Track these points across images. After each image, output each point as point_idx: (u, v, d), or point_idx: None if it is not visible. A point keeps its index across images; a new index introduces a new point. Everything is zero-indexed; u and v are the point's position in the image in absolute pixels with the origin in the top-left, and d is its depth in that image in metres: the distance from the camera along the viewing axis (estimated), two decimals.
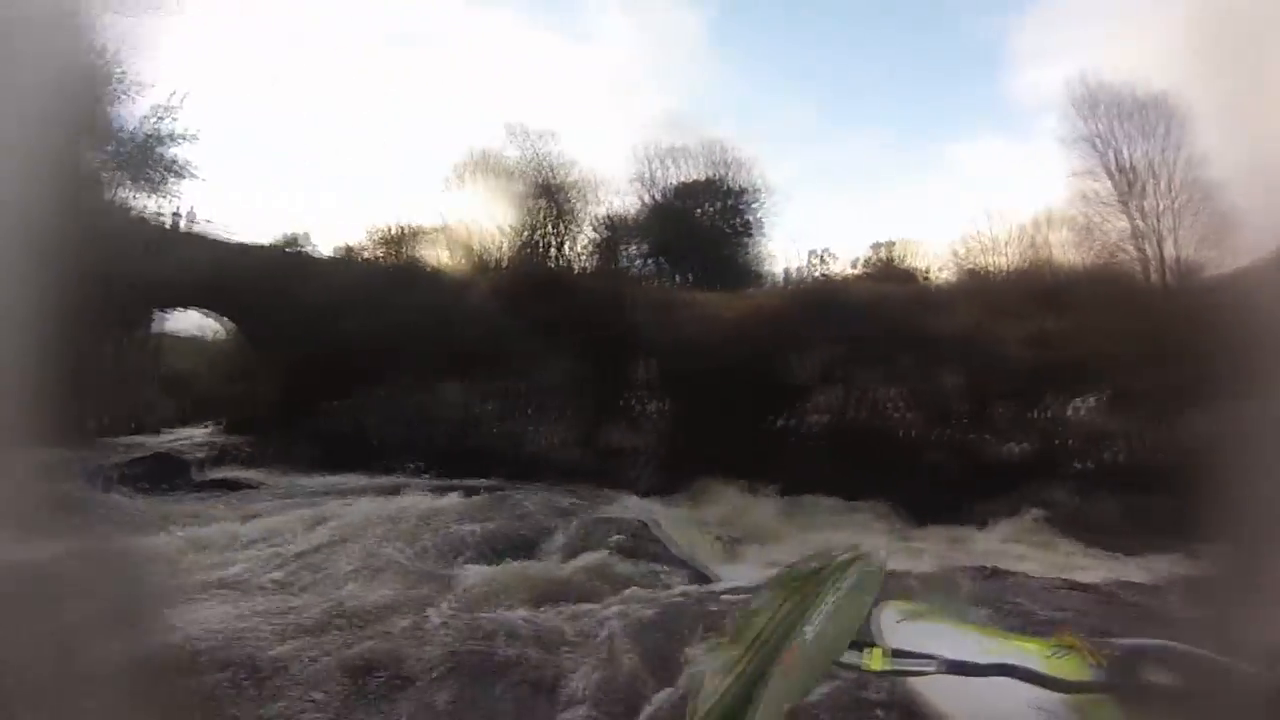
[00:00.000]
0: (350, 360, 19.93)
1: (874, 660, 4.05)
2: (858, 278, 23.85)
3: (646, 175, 27.90)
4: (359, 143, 53.57)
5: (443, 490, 14.40)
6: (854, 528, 14.70)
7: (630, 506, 14.22)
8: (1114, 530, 13.97)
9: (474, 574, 8.74)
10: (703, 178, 28.10)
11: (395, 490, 14.55)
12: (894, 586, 8.39)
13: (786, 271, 26.71)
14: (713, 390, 17.52)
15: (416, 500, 13.24)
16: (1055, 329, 18.48)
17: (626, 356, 18.45)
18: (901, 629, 4.83)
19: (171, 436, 24.32)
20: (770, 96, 54.97)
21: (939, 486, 15.72)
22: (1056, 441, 16.59)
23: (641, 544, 10.86)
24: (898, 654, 3.68)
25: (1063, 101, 25.06)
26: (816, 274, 25.11)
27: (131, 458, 17.27)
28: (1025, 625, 6.47)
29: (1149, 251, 23.24)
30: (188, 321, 31.18)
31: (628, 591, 8.12)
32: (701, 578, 10.01)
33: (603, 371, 18.33)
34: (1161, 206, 23.04)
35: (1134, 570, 11.26)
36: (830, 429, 17.74)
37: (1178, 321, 18.73)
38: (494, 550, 10.04)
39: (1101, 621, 6.70)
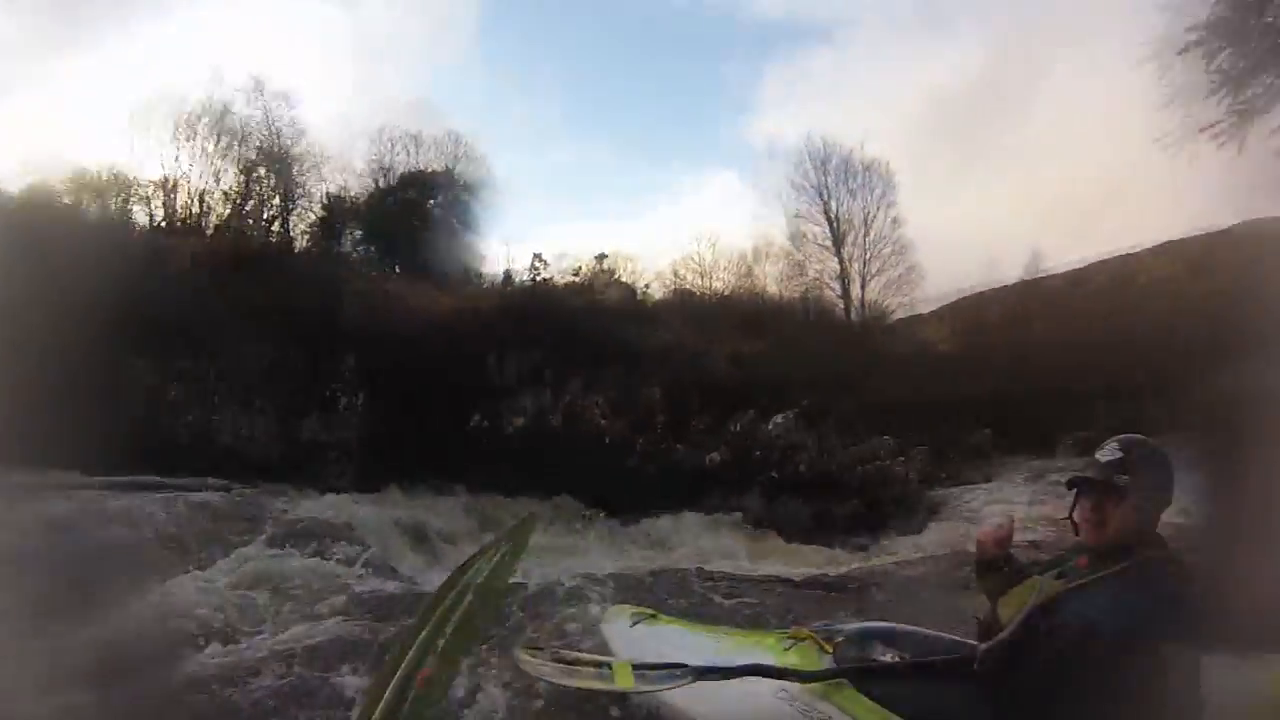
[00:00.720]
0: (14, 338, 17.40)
1: (621, 677, 3.88)
2: (574, 285, 24.14)
3: (384, 159, 27.12)
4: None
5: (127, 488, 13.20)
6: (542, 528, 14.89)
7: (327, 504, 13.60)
8: (803, 530, 15.52)
9: None
10: (437, 168, 27.49)
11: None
12: (621, 587, 8.42)
13: (507, 273, 26.38)
14: (414, 386, 17.10)
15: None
16: (755, 350, 19.92)
17: (331, 346, 17.46)
18: (636, 635, 4.81)
19: None
20: (518, 94, 55.00)
21: (638, 490, 16.29)
22: (756, 453, 17.47)
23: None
24: (641, 668, 3.75)
25: (795, 150, 28.38)
26: (536, 277, 25.00)
27: None
28: (743, 621, 6.95)
29: (849, 291, 26.14)
30: None
31: None
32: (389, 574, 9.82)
33: (304, 360, 17.23)
34: (866, 254, 26.06)
35: (828, 563, 12.31)
36: (529, 432, 17.81)
37: (863, 353, 21.12)
38: None
39: (817, 611, 7.05)
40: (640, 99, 54.73)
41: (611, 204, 53.16)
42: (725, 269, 27.02)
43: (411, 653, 2.87)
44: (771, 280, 26.61)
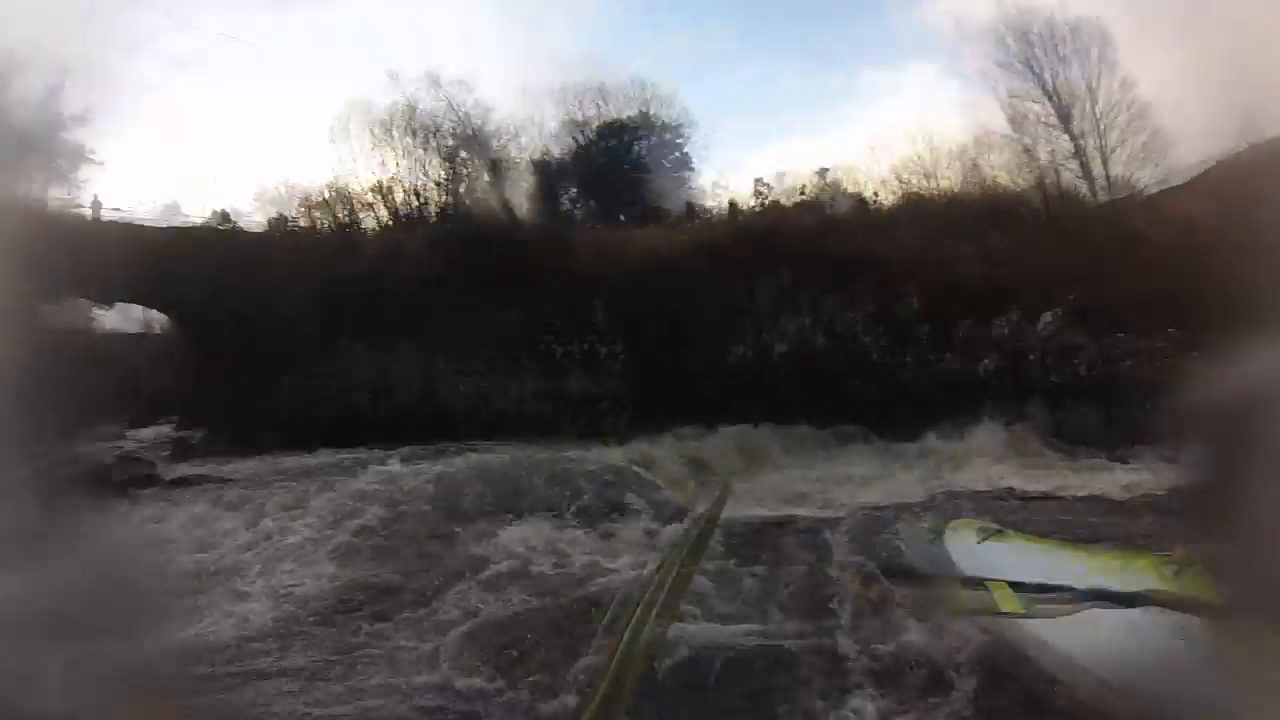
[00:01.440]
0: (293, 338, 19.39)
1: (1003, 599, 3.72)
2: (805, 204, 23.49)
3: (576, 116, 27.36)
4: (263, 107, 51.41)
5: (423, 457, 14.21)
6: (830, 456, 14.88)
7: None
8: (1095, 440, 14.22)
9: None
10: (631, 114, 27.57)
11: (372, 463, 14.17)
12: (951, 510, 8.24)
13: (732, 203, 25.85)
14: (669, 327, 17.38)
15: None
16: (1005, 246, 18.56)
17: (577, 301, 18.15)
18: (985, 552, 4.55)
19: (135, 437, 23.70)
20: (686, 26, 53.61)
21: (912, 406, 15.82)
22: (1029, 357, 16.53)
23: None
24: (1019, 588, 3.56)
25: (986, 28, 25.44)
26: (764, 202, 24.64)
27: (93, 464, 16.69)
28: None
29: (1089, 170, 23.80)
30: (130, 317, 30.36)
31: None
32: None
33: (558, 318, 18.04)
34: (1100, 126, 23.39)
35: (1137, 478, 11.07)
36: (794, 356, 17.67)
37: (1122, 237, 19.07)
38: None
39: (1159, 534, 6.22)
40: (800, 6, 52.08)
41: (810, 118, 50.89)
42: (948, 166, 25.42)
43: (638, 612, 3.11)
44: (1000, 171, 24.77)
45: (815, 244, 18.41)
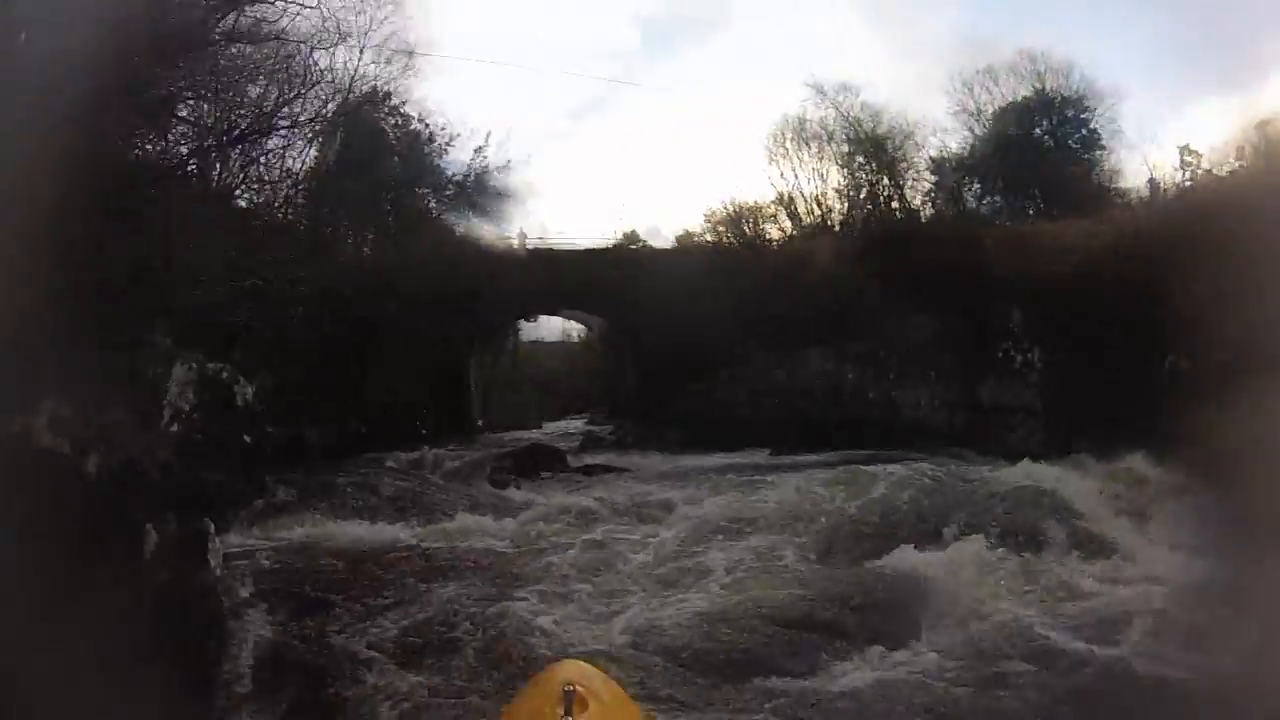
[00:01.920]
0: (702, 345, 20.42)
1: None
2: (1241, 174, 18.98)
3: (968, 106, 25.19)
4: (673, 132, 55.58)
5: (825, 464, 14.13)
6: None
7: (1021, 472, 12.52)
8: None
9: None
10: (1023, 95, 24.63)
11: (771, 469, 14.49)
12: None
13: (1152, 183, 22.11)
14: (1092, 333, 15.36)
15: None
16: None
17: (990, 305, 16.81)
18: None
19: (552, 428, 26.67)
20: None
21: None
22: None
23: None
24: None
25: None
26: (1192, 174, 20.38)
27: (509, 450, 18.85)
28: None
29: None
30: (556, 327, 34.66)
31: None
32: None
33: (967, 324, 16.86)
34: None
35: None
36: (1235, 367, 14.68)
37: None
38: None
39: None
40: None
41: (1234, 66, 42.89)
42: None
43: None
44: None
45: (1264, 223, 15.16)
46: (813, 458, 15.16)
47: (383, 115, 21.27)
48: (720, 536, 9.53)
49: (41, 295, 7.18)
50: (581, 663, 3.30)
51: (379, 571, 8.28)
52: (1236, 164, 19.16)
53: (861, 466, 13.09)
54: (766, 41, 55.93)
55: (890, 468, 12.74)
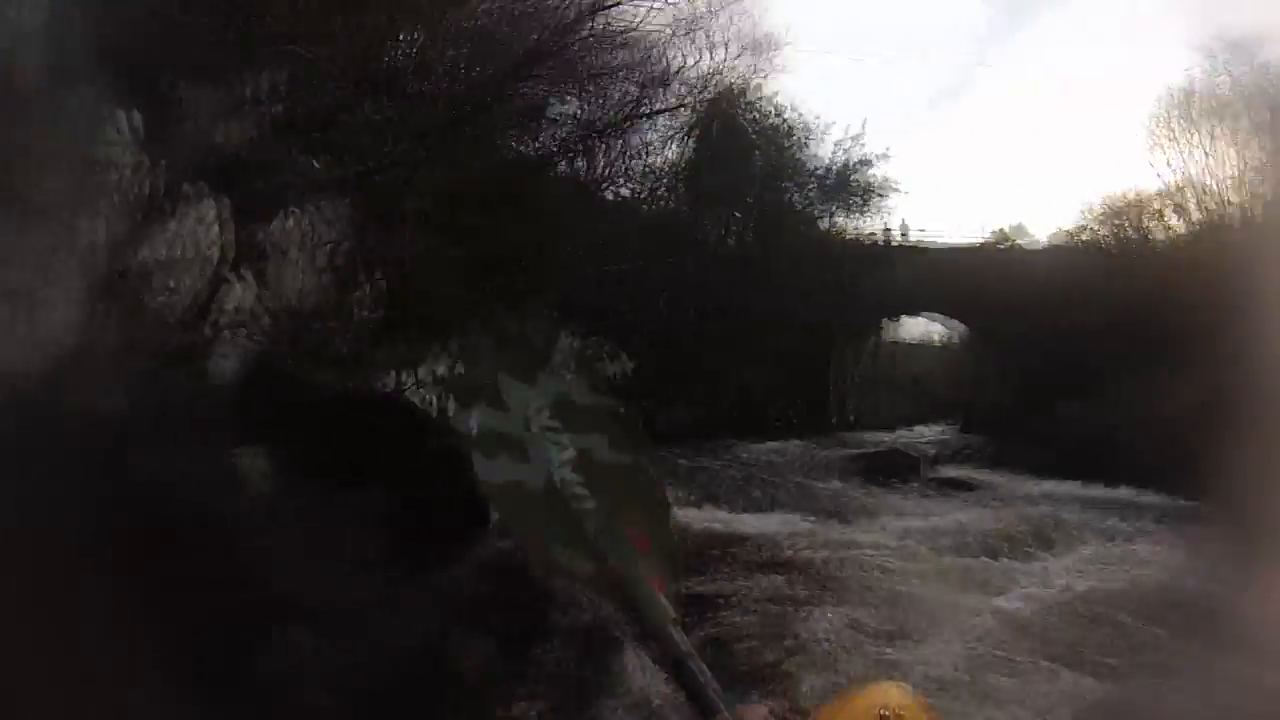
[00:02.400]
0: (1088, 354, 18.37)
1: None
2: None
3: None
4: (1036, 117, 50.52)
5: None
6: None
7: None
8: None
9: None
10: None
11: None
12: None
13: None
14: None
15: None
16: None
17: None
18: None
19: (907, 433, 25.65)
20: None
21: None
22: None
23: None
24: None
25: None
26: None
27: (868, 451, 18.42)
28: None
29: None
30: (917, 328, 33.28)
31: None
32: None
33: None
34: None
35: None
36: None
37: None
38: None
39: None
40: None
41: None
42: None
43: None
44: None
45: None
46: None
47: (741, 111, 21.72)
48: None
49: (435, 271, 8.60)
50: (904, 686, 3.13)
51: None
52: None
53: None
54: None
55: None
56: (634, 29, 12.21)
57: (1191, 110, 21.25)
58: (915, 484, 15.70)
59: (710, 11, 18.31)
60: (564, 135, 12.88)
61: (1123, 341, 17.60)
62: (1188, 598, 7.67)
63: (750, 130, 22.30)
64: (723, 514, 10.68)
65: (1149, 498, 14.49)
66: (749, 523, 10.32)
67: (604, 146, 14.29)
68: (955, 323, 27.94)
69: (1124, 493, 14.86)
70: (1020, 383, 20.90)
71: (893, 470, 16.46)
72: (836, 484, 14.51)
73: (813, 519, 10.82)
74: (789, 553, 8.90)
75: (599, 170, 15.04)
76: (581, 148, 13.65)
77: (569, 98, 12.42)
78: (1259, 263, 15.91)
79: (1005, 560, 9.36)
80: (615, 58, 12.42)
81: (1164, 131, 21.59)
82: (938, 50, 63.83)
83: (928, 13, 59.98)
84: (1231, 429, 15.76)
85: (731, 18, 19.61)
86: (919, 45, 61.18)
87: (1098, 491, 14.88)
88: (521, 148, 12.25)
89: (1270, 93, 19.44)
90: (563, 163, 13.50)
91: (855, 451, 18.12)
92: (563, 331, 11.60)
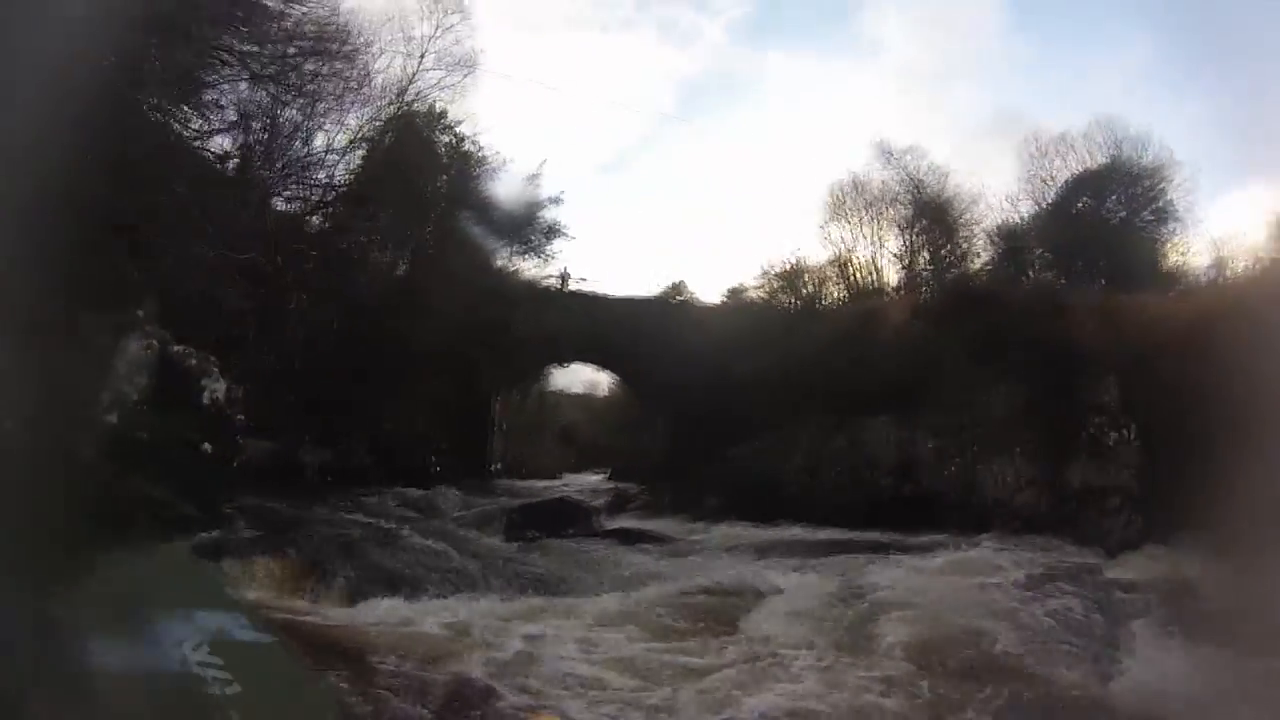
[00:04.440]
0: (746, 405, 18.70)
1: None
2: None
3: (1042, 172, 24.12)
4: (721, 192, 54.85)
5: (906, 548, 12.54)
6: None
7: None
8: None
9: None
10: (1098, 165, 23.54)
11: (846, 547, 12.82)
12: None
13: (1218, 261, 21.40)
14: (1190, 411, 13.72)
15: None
16: None
17: (1079, 379, 15.15)
18: None
19: (569, 482, 24.93)
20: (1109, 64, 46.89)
21: None
22: None
23: None
24: None
25: None
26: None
27: (533, 501, 17.14)
28: None
29: None
30: (583, 376, 33.03)
31: None
32: None
33: (1054, 398, 15.13)
34: None
35: None
36: None
37: None
38: None
39: None
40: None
41: None
42: None
43: None
44: None
45: None
46: (894, 536, 13.45)
47: (429, 127, 20.02)
48: None
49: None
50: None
51: None
52: None
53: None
54: (824, 104, 55.28)
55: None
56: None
57: (864, 195, 24.84)
58: (588, 535, 14.57)
59: (420, 20, 16.56)
60: (231, 118, 10.26)
61: (796, 392, 18.15)
62: None
63: (442, 153, 20.65)
64: (387, 603, 7.73)
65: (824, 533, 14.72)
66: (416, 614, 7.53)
67: (279, 152, 11.76)
68: (629, 371, 27.47)
69: (797, 532, 14.94)
70: (689, 430, 20.84)
71: (564, 521, 15.27)
72: (498, 541, 12.64)
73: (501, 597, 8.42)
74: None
75: (269, 168, 12.31)
76: (250, 138, 11.07)
77: (240, 70, 9.88)
78: (933, 323, 17.71)
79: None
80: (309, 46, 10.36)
81: (838, 210, 24.84)
82: (634, 102, 65.33)
83: (629, 74, 60.98)
84: (895, 474, 17.07)
85: (437, 26, 18.01)
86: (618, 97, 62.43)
87: (774, 534, 14.77)
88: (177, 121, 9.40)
89: (932, 187, 23.93)
90: (232, 162, 10.78)
91: (521, 501, 16.86)
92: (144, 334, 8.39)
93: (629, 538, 14.17)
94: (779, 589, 9.32)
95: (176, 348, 8.74)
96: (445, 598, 8.03)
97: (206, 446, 9.12)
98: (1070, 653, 7.19)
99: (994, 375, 15.72)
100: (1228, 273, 20.64)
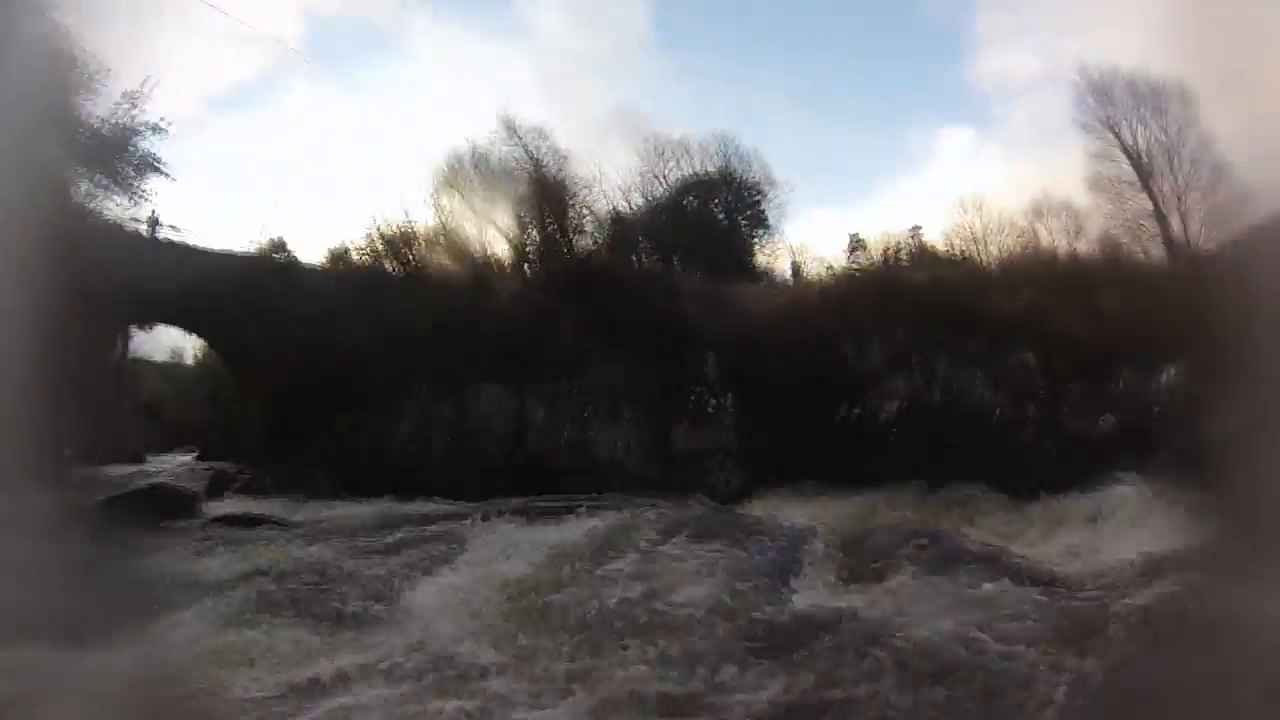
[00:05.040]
0: (352, 375, 17.96)
1: None
2: (899, 264, 22.61)
3: (657, 170, 26.77)
4: (337, 148, 51.22)
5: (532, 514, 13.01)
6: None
7: None
8: None
9: None
10: (711, 170, 27.00)
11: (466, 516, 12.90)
12: None
13: (795, 265, 26.26)
14: (777, 383, 16.18)
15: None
16: (1113, 305, 17.44)
17: (684, 351, 16.96)
18: None
19: (154, 465, 22.15)
20: (730, 89, 53.71)
21: (1033, 466, 14.45)
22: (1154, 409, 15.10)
23: None
24: None
25: (1029, 86, 25.74)
26: (856, 261, 24.47)
27: (125, 491, 15.18)
28: None
29: (1168, 229, 23.25)
30: (159, 343, 28.84)
31: None
32: None
33: (662, 368, 16.78)
34: (1180, 184, 22.90)
35: None
36: (908, 415, 16.42)
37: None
38: None
39: None
40: (847, 66, 52.22)
41: (850, 182, 50.49)
42: (1001, 233, 24.09)
43: None
44: (1058, 235, 23.91)
45: (929, 299, 17.27)
46: (518, 502, 13.92)
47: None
48: None
49: None
50: None
51: None
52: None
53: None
54: (449, 71, 54.62)
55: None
56: None
57: (485, 166, 24.86)
58: (194, 522, 13.31)
59: None
60: None
61: (401, 362, 17.84)
62: None
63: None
64: None
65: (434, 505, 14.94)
66: None
67: None
68: (223, 336, 24.00)
69: (417, 506, 14.98)
70: (285, 402, 19.33)
71: (164, 511, 13.76)
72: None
73: None
74: None
75: None
76: None
77: None
78: (545, 296, 18.34)
79: None
80: None
81: (455, 178, 24.67)
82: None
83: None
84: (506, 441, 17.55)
85: None
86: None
87: (395, 508, 14.70)
88: None
89: (552, 168, 24.65)
90: None
91: (111, 492, 14.89)
92: None
93: (241, 524, 13.15)
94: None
95: None
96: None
97: None
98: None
99: (605, 347, 16.95)
100: (802, 274, 25.31)
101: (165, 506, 14.17)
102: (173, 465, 22.89)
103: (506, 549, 10.56)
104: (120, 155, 18.64)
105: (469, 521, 12.40)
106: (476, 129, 25.90)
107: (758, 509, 14.32)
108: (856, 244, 25.51)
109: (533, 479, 15.90)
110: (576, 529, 11.77)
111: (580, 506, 13.28)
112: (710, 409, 16.68)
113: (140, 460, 22.58)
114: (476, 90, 54.29)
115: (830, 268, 24.32)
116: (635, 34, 54.25)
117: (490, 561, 9.92)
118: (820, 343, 16.63)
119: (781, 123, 51.92)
